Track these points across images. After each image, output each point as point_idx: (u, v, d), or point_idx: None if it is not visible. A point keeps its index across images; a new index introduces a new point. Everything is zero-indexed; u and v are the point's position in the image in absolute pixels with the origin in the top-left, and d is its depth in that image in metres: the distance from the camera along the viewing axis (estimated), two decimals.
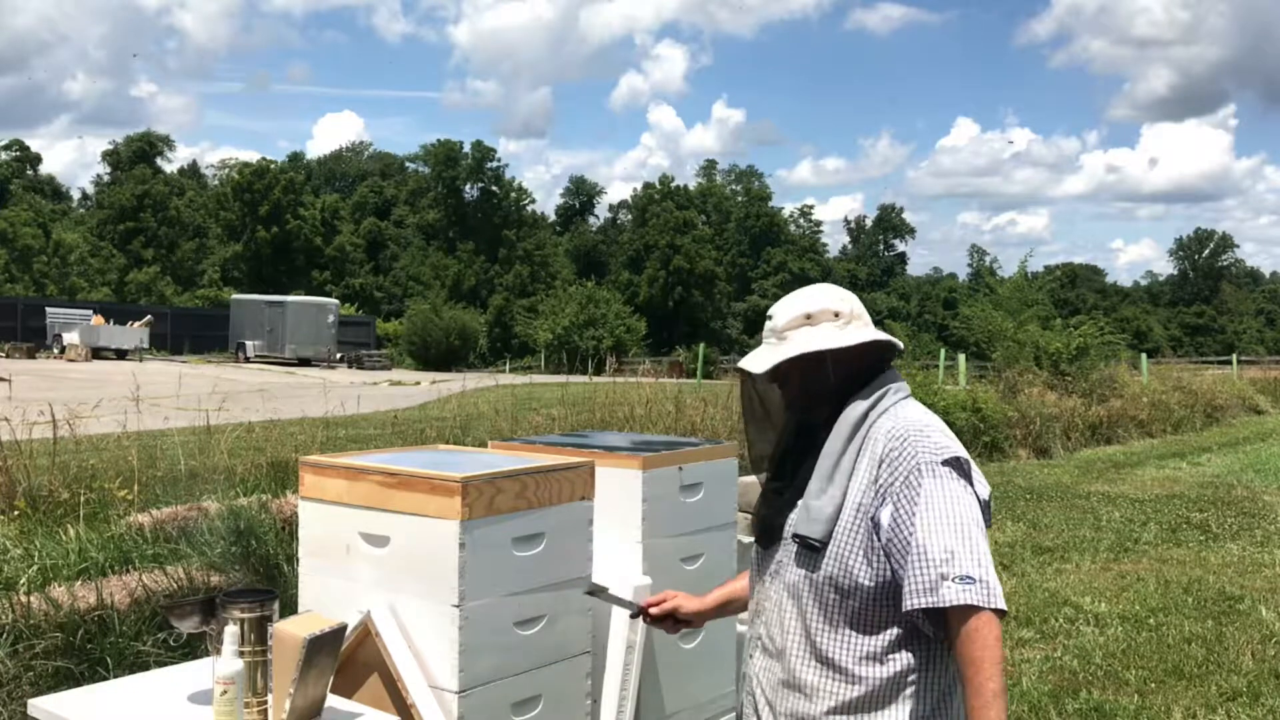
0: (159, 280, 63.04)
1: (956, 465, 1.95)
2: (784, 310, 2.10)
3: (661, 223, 72.14)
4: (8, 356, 32.10)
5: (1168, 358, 36.03)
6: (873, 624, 1.96)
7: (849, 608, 1.96)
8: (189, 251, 67.94)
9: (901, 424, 1.99)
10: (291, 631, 2.29)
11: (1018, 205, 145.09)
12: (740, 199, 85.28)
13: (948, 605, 1.83)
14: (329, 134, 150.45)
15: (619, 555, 3.29)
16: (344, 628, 2.42)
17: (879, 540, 1.93)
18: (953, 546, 1.86)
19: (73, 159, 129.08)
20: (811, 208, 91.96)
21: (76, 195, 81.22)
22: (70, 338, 36.19)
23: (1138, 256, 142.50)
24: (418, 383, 26.54)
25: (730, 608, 2.45)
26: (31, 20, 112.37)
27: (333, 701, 2.41)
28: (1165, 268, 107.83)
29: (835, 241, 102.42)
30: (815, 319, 2.06)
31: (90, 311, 40.84)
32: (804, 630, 2.01)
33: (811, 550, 1.98)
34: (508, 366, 41.13)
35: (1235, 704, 4.87)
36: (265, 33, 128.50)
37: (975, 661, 1.82)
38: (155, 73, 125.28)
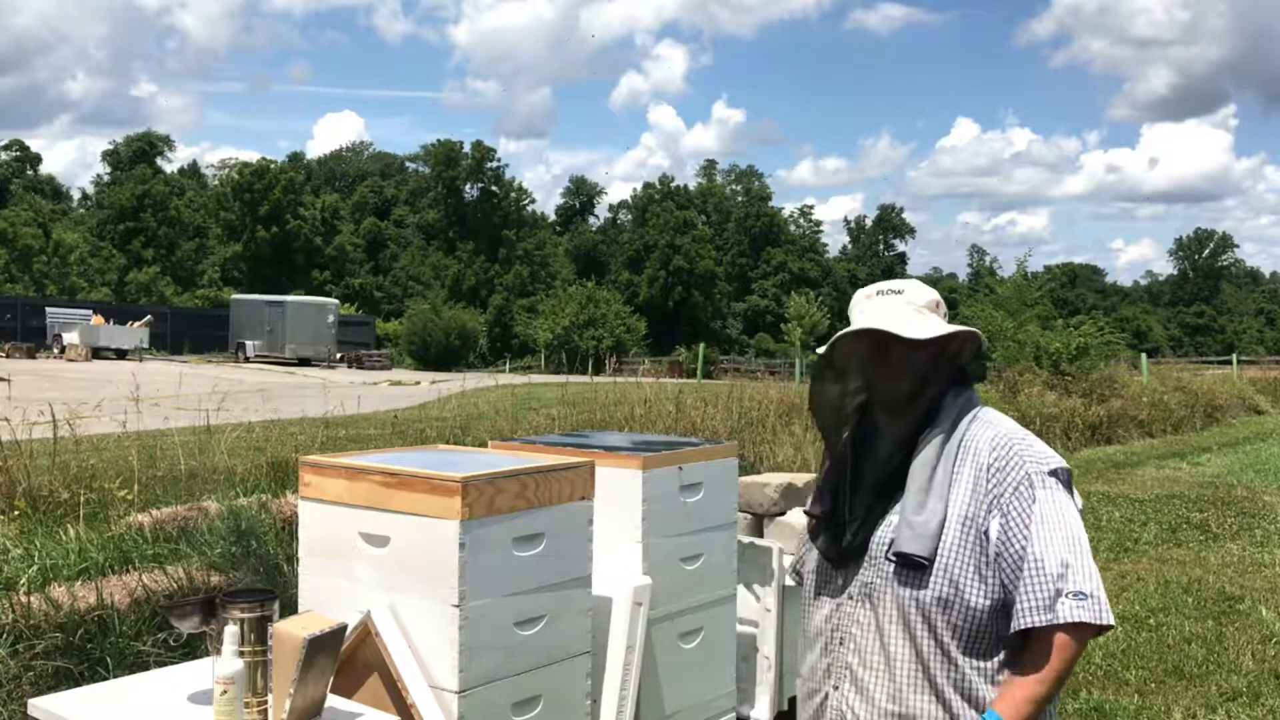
0: (159, 280, 63.02)
1: (1060, 475, 1.90)
2: (916, 290, 2.00)
3: (661, 223, 72.14)
4: (8, 356, 32.09)
5: (1167, 358, 36.03)
6: (987, 644, 1.87)
7: (962, 629, 1.86)
8: (189, 251, 67.91)
9: (1003, 432, 1.93)
10: (291, 631, 2.29)
11: (1018, 205, 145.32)
12: (740, 199, 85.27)
13: (1063, 623, 1.78)
14: (329, 134, 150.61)
15: (619, 555, 3.29)
16: (344, 628, 2.42)
17: (989, 553, 1.85)
18: (1068, 559, 1.81)
19: (73, 159, 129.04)
20: (811, 208, 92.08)
21: (76, 195, 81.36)
22: (70, 338, 36.19)
23: (1138, 256, 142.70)
24: (417, 383, 26.54)
25: None
26: (32, 20, 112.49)
27: (333, 701, 2.41)
28: (1165, 268, 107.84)
29: (835, 241, 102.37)
30: (939, 309, 2.00)
31: (90, 311, 40.85)
32: (914, 655, 1.87)
33: (916, 569, 1.86)
34: (507, 366, 41.14)
35: (1235, 704, 4.87)
36: (265, 33, 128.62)
37: (1053, 664, 1.79)
38: (155, 73, 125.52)
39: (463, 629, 2.59)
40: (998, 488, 1.86)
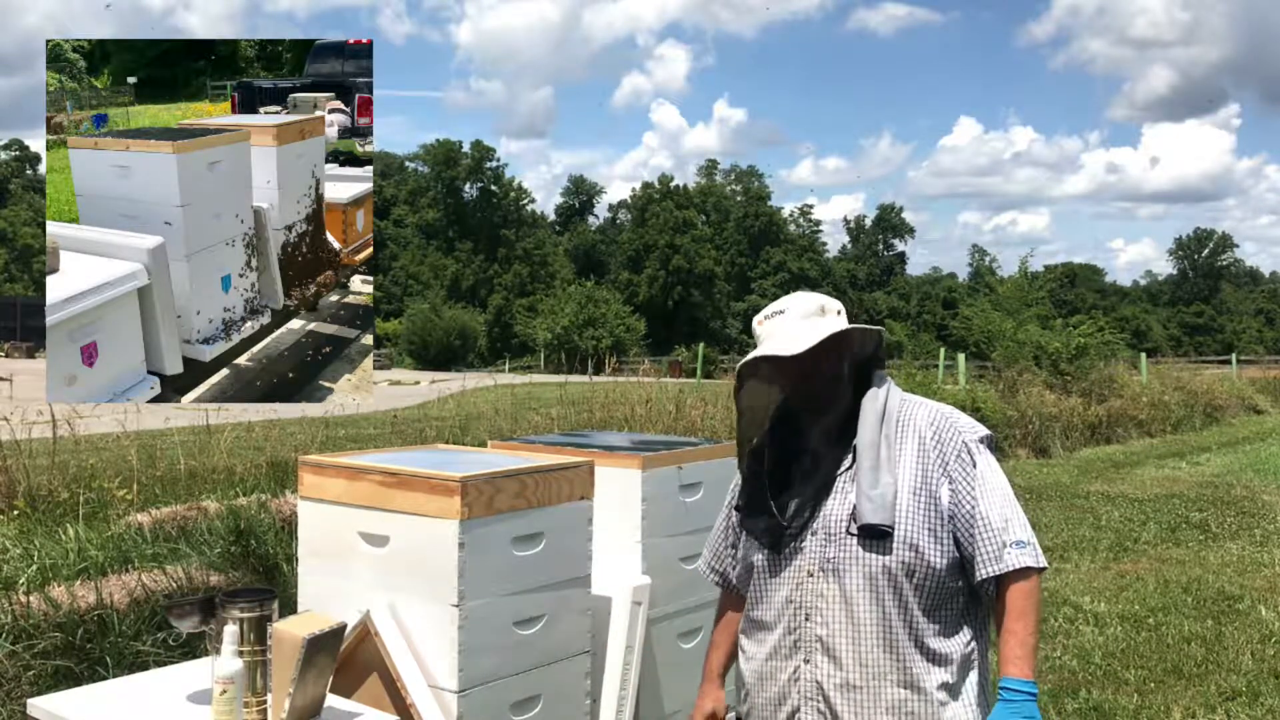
0: None
1: (987, 441, 2.15)
2: (797, 303, 2.15)
3: (661, 222, 72.11)
4: (8, 356, 32.09)
5: (1167, 357, 36.02)
6: (944, 601, 2.07)
7: (925, 587, 2.04)
8: None
9: (933, 409, 2.15)
10: (291, 631, 2.29)
11: (1018, 205, 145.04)
12: (739, 198, 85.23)
13: (1010, 569, 2.01)
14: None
15: (619, 555, 3.29)
16: (343, 627, 2.42)
17: (943, 515, 2.05)
18: (1007, 514, 2.05)
19: None
20: (811, 207, 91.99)
21: None
22: None
23: (1138, 256, 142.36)
24: (417, 382, 26.52)
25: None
26: (37, 20, 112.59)
27: (332, 701, 2.41)
28: (1165, 267, 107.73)
29: (835, 241, 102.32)
30: (826, 313, 2.15)
31: None
32: (881, 618, 2.04)
33: (880, 538, 2.03)
34: (507, 366, 41.12)
35: (1234, 704, 4.87)
36: (268, 33, 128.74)
37: (1023, 613, 2.00)
38: None
39: (462, 629, 2.59)
40: (942, 456, 2.08)
